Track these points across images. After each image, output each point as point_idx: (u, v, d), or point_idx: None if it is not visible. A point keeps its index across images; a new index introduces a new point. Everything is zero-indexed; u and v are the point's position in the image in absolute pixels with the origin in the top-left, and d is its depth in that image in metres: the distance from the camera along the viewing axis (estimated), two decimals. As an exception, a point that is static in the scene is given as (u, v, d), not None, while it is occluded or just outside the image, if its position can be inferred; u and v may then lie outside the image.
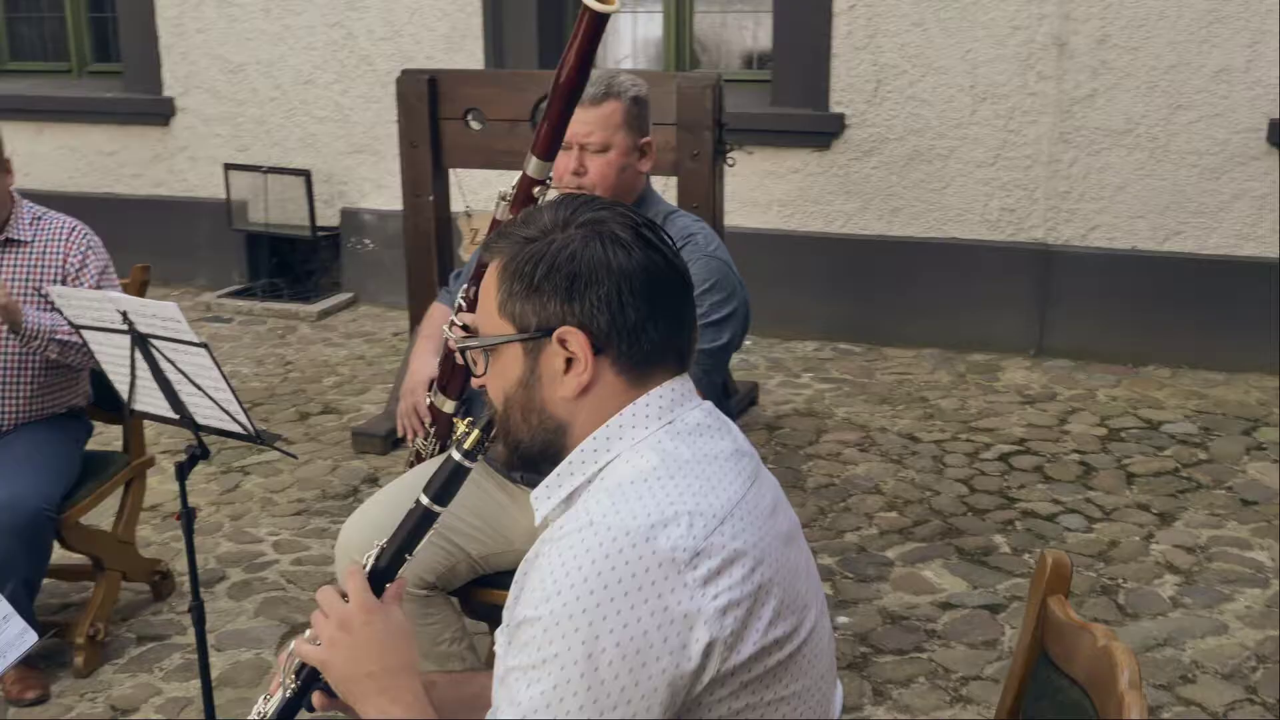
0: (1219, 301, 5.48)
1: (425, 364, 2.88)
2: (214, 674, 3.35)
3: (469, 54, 6.40)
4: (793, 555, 1.44)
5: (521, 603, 1.35)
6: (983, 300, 5.83)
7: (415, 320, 5.15)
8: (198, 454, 2.43)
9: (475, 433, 1.55)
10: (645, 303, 1.41)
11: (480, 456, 1.57)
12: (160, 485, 4.36)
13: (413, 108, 4.89)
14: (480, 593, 2.83)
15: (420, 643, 2.71)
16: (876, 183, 5.92)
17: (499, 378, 1.48)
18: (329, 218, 6.86)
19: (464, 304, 2.62)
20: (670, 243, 1.47)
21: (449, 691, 1.73)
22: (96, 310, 2.38)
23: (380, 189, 6.77)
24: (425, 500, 1.59)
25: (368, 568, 1.59)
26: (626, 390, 1.44)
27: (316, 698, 1.62)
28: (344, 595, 1.56)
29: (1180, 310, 5.53)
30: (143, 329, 2.34)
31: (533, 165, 2.47)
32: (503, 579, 2.79)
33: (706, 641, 1.30)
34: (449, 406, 2.78)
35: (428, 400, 2.81)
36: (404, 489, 2.79)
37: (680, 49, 6.40)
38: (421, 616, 2.71)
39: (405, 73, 4.94)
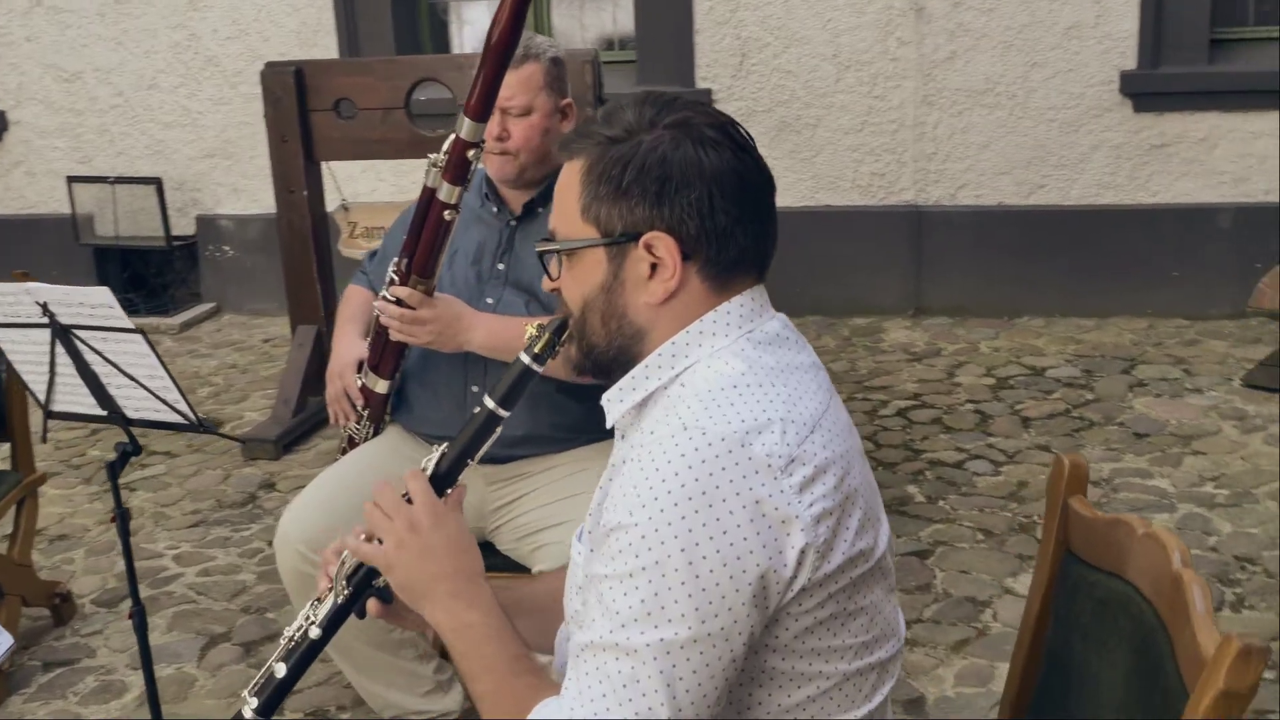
0: (1085, 250, 5.66)
1: (350, 346, 2.78)
2: (135, 693, 3.20)
3: (323, 48, 6.24)
4: (862, 460, 1.43)
5: (611, 508, 1.31)
6: (860, 264, 5.91)
7: (296, 323, 4.99)
8: (130, 451, 2.29)
9: (546, 335, 1.49)
10: (735, 206, 1.37)
11: (548, 358, 1.51)
12: (43, 507, 4.13)
13: (280, 101, 4.73)
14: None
15: (372, 630, 2.64)
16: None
17: (578, 282, 1.43)
18: (184, 226, 6.61)
19: (396, 277, 2.54)
20: (754, 143, 1.42)
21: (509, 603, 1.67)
22: (10, 305, 2.23)
23: (237, 193, 6.55)
24: (491, 404, 1.52)
25: (429, 471, 1.53)
26: (709, 297, 1.40)
27: (372, 605, 1.57)
28: (405, 497, 1.50)
29: (1049, 261, 5.69)
30: (65, 320, 2.20)
31: (466, 127, 2.40)
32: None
33: (801, 547, 1.29)
34: (382, 386, 2.69)
35: (359, 382, 2.71)
36: (344, 473, 2.70)
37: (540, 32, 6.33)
38: (368, 604, 2.62)
39: (269, 65, 4.78)
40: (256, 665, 3.28)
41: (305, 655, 1.62)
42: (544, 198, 2.66)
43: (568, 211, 1.42)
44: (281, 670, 1.61)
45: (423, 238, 2.50)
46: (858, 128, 5.82)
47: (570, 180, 1.42)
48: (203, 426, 2.28)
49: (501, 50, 2.33)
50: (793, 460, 1.30)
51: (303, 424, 4.89)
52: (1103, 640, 1.45)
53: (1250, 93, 5.37)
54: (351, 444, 2.79)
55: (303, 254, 4.92)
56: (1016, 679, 1.62)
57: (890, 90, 5.75)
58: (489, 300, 2.63)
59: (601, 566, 1.31)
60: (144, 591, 3.71)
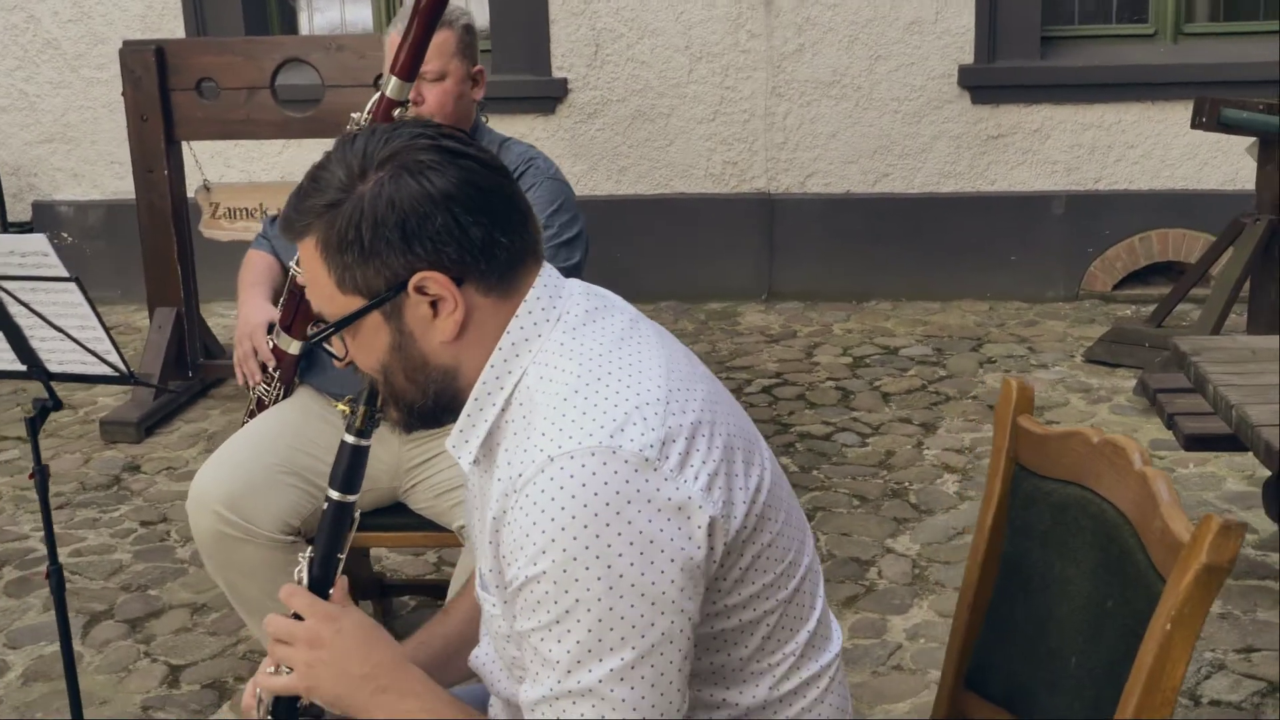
0: (929, 236, 5.92)
1: (259, 308, 2.76)
2: (17, 671, 3.10)
3: (169, 31, 6.07)
4: (719, 392, 1.44)
5: (511, 563, 1.29)
6: (713, 251, 6.06)
7: (155, 305, 4.87)
8: (49, 406, 2.24)
9: (361, 408, 1.45)
10: (483, 214, 1.33)
11: (373, 431, 1.48)
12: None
13: (140, 80, 4.62)
14: (340, 539, 2.75)
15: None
16: (603, 144, 6.05)
17: (367, 351, 1.38)
18: (19, 213, 6.35)
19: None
20: (470, 137, 1.40)
21: (435, 659, 1.65)
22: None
23: (77, 179, 6.32)
24: (335, 495, 1.48)
25: (304, 582, 1.47)
26: (501, 307, 1.36)
27: None
28: (295, 617, 1.44)
29: (896, 246, 5.93)
30: (-9, 271, 2.14)
31: (392, 86, 2.42)
32: (367, 520, 2.71)
33: (707, 523, 1.28)
34: (295, 347, 2.68)
35: (270, 343, 2.69)
36: (258, 433, 2.67)
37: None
38: (288, 564, 2.58)
39: (128, 44, 4.68)
40: (144, 640, 3.23)
41: None
42: (456, 163, 2.69)
43: (324, 291, 1.36)
44: None
45: (344, 197, 2.50)
46: (710, 117, 5.97)
47: (312, 261, 1.36)
48: (134, 378, 2.24)
49: (432, 10, 2.35)
50: (663, 442, 1.28)
51: (164, 407, 4.78)
52: (1064, 541, 1.57)
53: (1079, 86, 5.71)
54: (260, 406, 2.77)
55: (163, 235, 4.82)
56: (972, 588, 1.72)
57: (741, 81, 5.91)
58: (401, 263, 2.64)
59: (525, 622, 1.28)
60: (11, 574, 3.61)
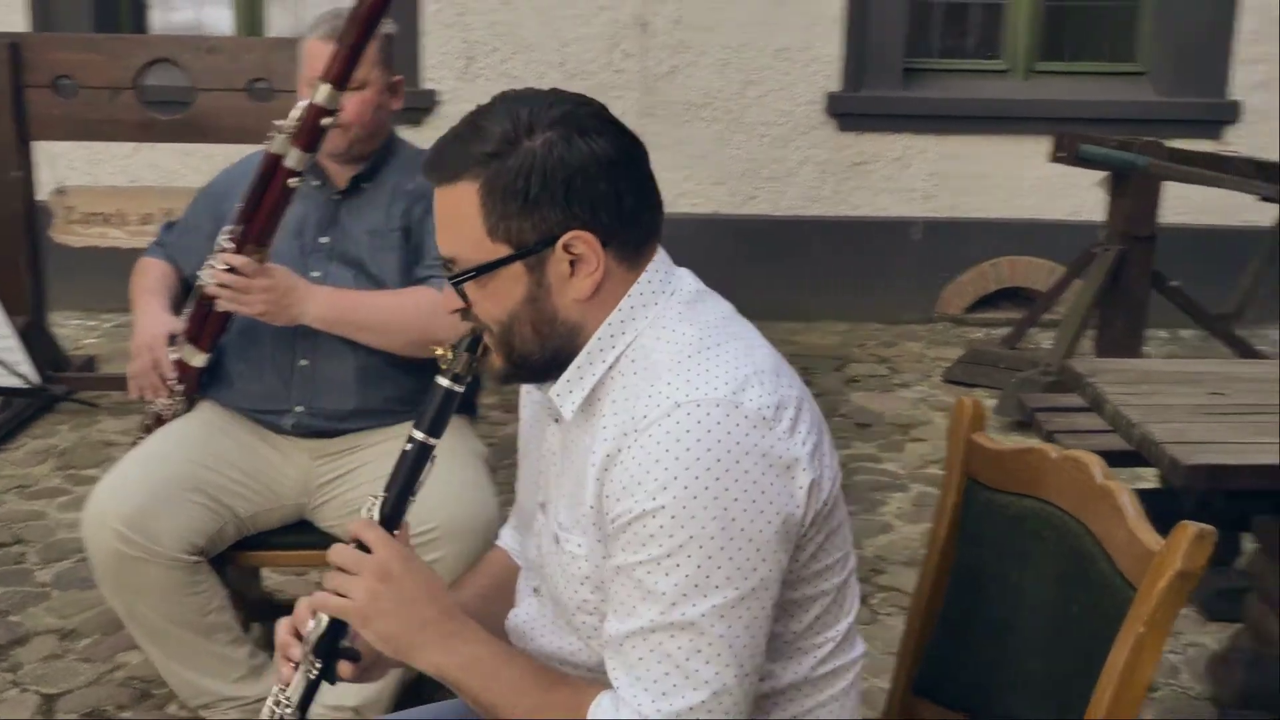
0: (794, 258, 6.05)
1: (157, 319, 2.67)
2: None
3: (7, 26, 5.82)
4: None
5: (623, 497, 1.34)
6: (582, 268, 6.08)
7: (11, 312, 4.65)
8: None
9: (463, 355, 1.46)
10: (634, 184, 1.41)
11: (468, 379, 1.48)
12: None
13: (-10, 75, 4.43)
14: (243, 556, 2.68)
15: (186, 613, 2.55)
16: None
17: (497, 300, 1.42)
18: None
19: (231, 244, 2.47)
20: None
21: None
22: None
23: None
24: (420, 435, 1.48)
25: (375, 518, 1.47)
26: (627, 275, 1.43)
27: (345, 668, 1.51)
28: (360, 547, 1.44)
29: (762, 267, 6.05)
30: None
31: (322, 93, 2.38)
32: (269, 538, 2.66)
33: (808, 485, 1.37)
34: (200, 360, 2.61)
35: (173, 356, 2.61)
36: (160, 451, 2.58)
37: (255, 25, 6.18)
38: (190, 585, 2.53)
39: (-19, 36, 4.47)
40: (10, 669, 3.07)
41: None
42: (371, 172, 2.66)
43: (468, 236, 1.40)
44: None
45: (263, 205, 2.45)
46: (581, 135, 5.99)
47: (463, 205, 1.39)
48: (45, 391, 2.15)
49: (369, 17, 2.33)
50: (778, 406, 1.37)
51: (7, 422, 4.57)
52: (1022, 551, 1.63)
53: (939, 117, 5.92)
54: (159, 421, 2.68)
55: (14, 238, 4.61)
56: (925, 598, 1.78)
57: (614, 100, 5.90)
58: (314, 274, 2.60)
59: (630, 555, 1.34)
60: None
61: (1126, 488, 1.51)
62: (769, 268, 6.05)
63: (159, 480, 2.51)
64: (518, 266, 1.40)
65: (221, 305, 2.50)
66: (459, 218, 1.40)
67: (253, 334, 2.60)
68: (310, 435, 2.62)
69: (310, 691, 1.50)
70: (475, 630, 1.44)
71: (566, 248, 1.38)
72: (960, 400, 1.80)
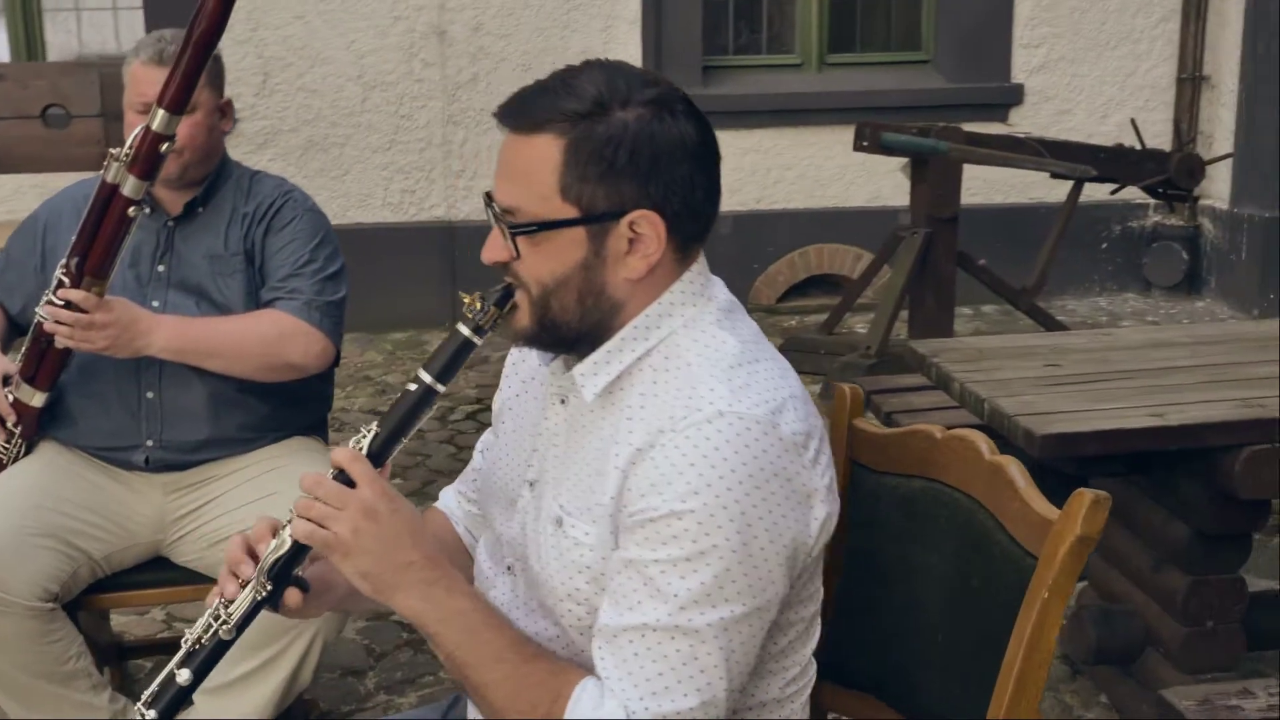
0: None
1: None
2: None
3: None
4: None
5: (650, 493, 1.33)
6: (395, 280, 6.00)
7: None
8: None
9: (492, 308, 1.42)
10: (708, 179, 1.40)
11: (490, 331, 1.44)
12: None
13: None
14: (97, 599, 2.57)
15: (44, 664, 2.44)
16: (276, 174, 5.86)
17: (548, 259, 1.38)
18: None
19: (65, 279, 2.37)
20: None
21: None
22: None
23: None
24: (428, 378, 1.43)
25: (363, 450, 1.42)
26: (675, 267, 1.42)
27: (292, 595, 1.46)
28: (341, 480, 1.39)
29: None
30: None
31: (160, 119, 2.29)
32: (123, 578, 2.56)
33: (824, 517, 1.40)
34: (38, 399, 2.49)
35: (9, 396, 2.49)
36: (3, 494, 2.45)
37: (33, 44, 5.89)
38: (46, 634, 2.41)
39: None
40: None
41: (210, 658, 1.48)
42: (205, 197, 2.59)
43: (538, 190, 1.36)
44: (185, 676, 1.47)
45: (100, 235, 2.35)
46: (386, 146, 5.92)
47: (541, 158, 1.35)
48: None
49: (206, 40, 2.25)
50: (808, 435, 1.38)
51: None
52: (917, 531, 1.70)
53: (739, 113, 6.05)
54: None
55: None
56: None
57: (417, 110, 5.91)
58: (154, 304, 2.52)
59: (647, 551, 1.32)
60: None
61: (1015, 461, 1.60)
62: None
63: (5, 528, 2.38)
64: (580, 231, 1.37)
65: (61, 342, 2.39)
66: (533, 169, 1.36)
67: (94, 369, 2.50)
68: (163, 469, 2.54)
69: (254, 612, 1.46)
70: (459, 582, 1.41)
71: (632, 225, 1.37)
72: (839, 387, 1.85)
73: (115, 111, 4.31)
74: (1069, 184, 5.08)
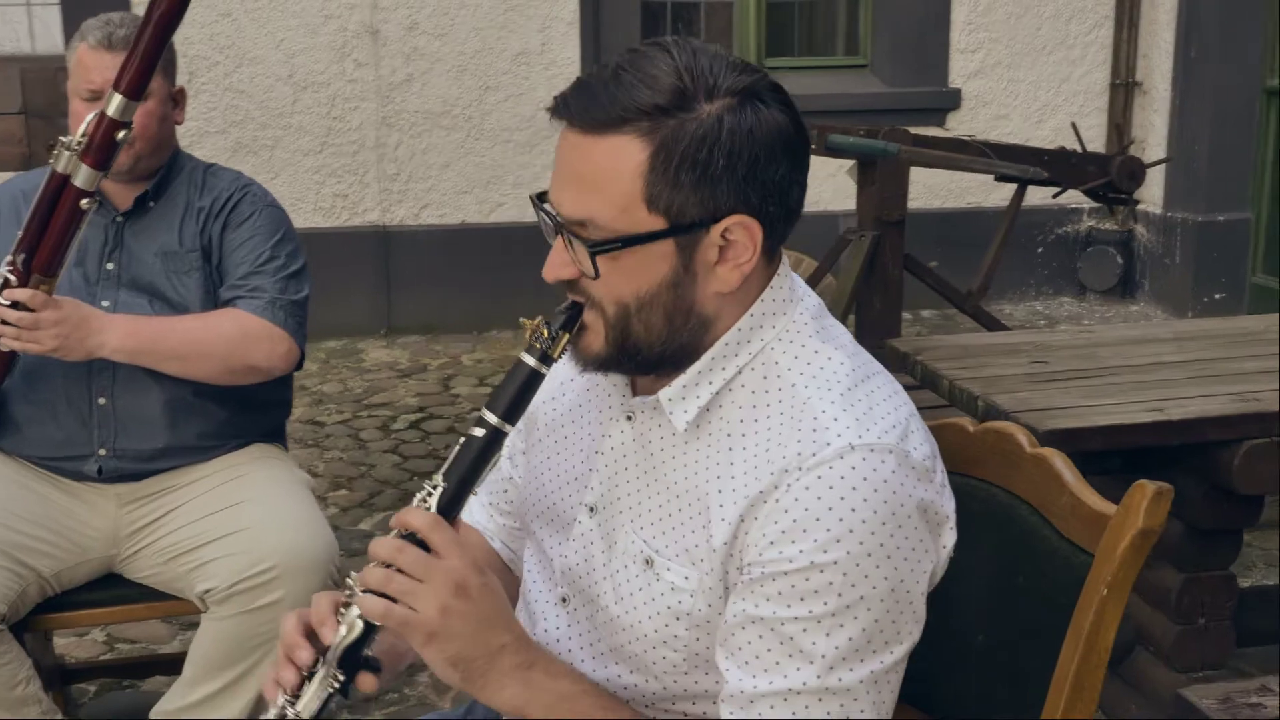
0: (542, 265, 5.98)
1: None
2: None
3: None
4: None
5: (786, 545, 1.19)
6: (328, 287, 5.78)
7: None
8: None
9: (561, 334, 1.27)
10: (801, 174, 1.25)
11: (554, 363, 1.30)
12: None
13: None
14: (45, 619, 2.41)
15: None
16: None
17: (630, 277, 1.22)
18: None
19: (12, 277, 2.22)
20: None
21: None
22: None
23: None
24: (494, 420, 1.28)
25: (432, 509, 1.25)
26: (764, 272, 1.28)
27: (366, 680, 1.27)
28: (415, 542, 1.22)
29: (513, 275, 5.96)
30: None
31: (116, 104, 2.15)
32: (70, 597, 2.40)
33: (952, 543, 1.30)
34: (-19, 407, 2.34)
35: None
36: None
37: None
38: (-8, 659, 2.26)
39: None
40: None
41: None
42: (157, 190, 2.46)
43: (617, 199, 1.20)
44: None
45: (50, 230, 2.21)
46: (318, 149, 5.76)
47: (621, 162, 1.19)
48: None
49: (167, 21, 2.13)
50: (934, 457, 1.28)
51: None
52: (950, 528, 1.63)
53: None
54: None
55: None
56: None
57: (349, 112, 5.76)
58: (104, 303, 2.38)
59: (782, 609, 1.19)
60: None
61: (1059, 453, 1.53)
62: (521, 276, 5.96)
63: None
64: (668, 244, 1.21)
65: (6, 344, 2.24)
66: (610, 176, 1.20)
67: (41, 373, 2.35)
68: (116, 480, 2.39)
69: (326, 705, 1.27)
70: (554, 661, 1.28)
71: (725, 232, 1.22)
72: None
73: (37, 109, 4.17)
74: (1006, 188, 5.07)
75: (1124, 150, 5.26)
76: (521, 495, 1.50)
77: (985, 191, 5.99)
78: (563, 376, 1.46)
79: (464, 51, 5.79)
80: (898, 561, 1.21)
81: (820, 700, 1.20)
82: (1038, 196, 5.46)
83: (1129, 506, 1.38)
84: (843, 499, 1.18)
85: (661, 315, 1.25)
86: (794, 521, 1.19)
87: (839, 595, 1.18)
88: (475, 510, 1.62)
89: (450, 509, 1.26)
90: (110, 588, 2.44)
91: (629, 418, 1.34)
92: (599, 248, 1.21)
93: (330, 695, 1.27)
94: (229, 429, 2.46)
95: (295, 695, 1.27)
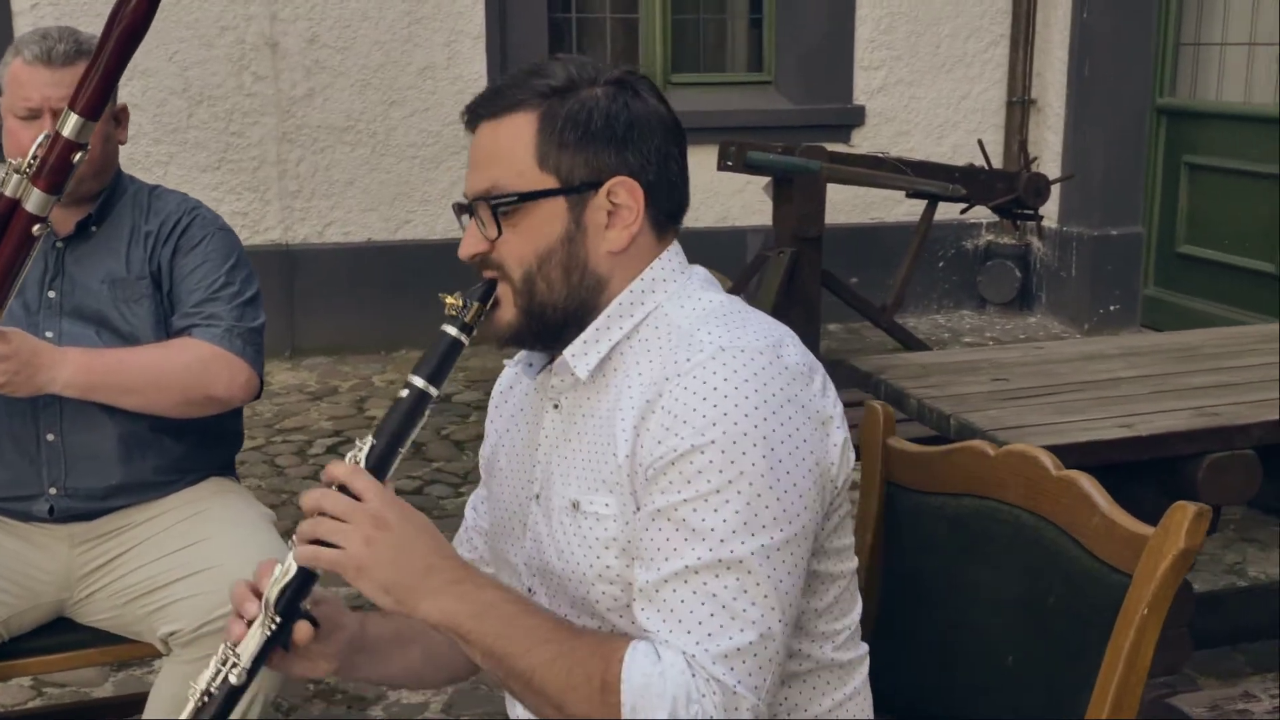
0: (453, 282, 5.89)
1: None
2: None
3: None
4: None
5: (666, 438, 1.30)
6: (229, 308, 5.68)
7: None
8: None
9: (475, 304, 1.41)
10: (680, 156, 1.43)
11: (473, 332, 1.43)
12: None
13: None
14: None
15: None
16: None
17: (529, 237, 1.39)
18: None
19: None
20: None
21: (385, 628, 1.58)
22: None
23: None
24: (420, 383, 1.39)
25: (361, 464, 1.35)
26: (654, 244, 1.43)
27: (303, 630, 1.38)
28: (344, 493, 1.33)
29: (420, 293, 5.85)
30: None
31: (72, 125, 2.04)
32: (21, 644, 2.28)
33: (841, 442, 1.38)
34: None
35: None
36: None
37: None
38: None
39: None
40: None
41: (224, 707, 1.38)
42: (100, 214, 2.35)
43: (514, 165, 1.38)
44: None
45: (-2, 258, 2.09)
46: (215, 165, 5.61)
47: (516, 134, 1.38)
48: None
49: (129, 35, 2.02)
50: (811, 367, 1.38)
51: None
52: (971, 550, 1.64)
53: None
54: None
55: None
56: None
57: (249, 126, 5.61)
58: (48, 334, 2.26)
59: (674, 494, 1.30)
60: None
61: (1086, 475, 1.54)
62: (428, 293, 5.84)
63: None
64: (559, 203, 1.38)
65: (-51, 380, 2.12)
66: (507, 147, 1.38)
67: (-18, 411, 2.23)
68: (69, 520, 2.28)
69: (265, 650, 1.37)
70: (484, 576, 1.38)
71: (610, 194, 1.38)
72: (869, 405, 1.78)
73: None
74: (911, 204, 5.17)
75: (1028, 167, 5.39)
76: (490, 533, 1.60)
77: (889, 207, 6.09)
78: (509, 412, 1.59)
79: (367, 65, 5.69)
80: (774, 442, 1.30)
81: (717, 575, 1.28)
82: (941, 212, 5.56)
83: (1168, 527, 1.40)
84: (715, 389, 1.30)
85: (560, 272, 1.39)
86: (674, 416, 1.31)
87: (720, 472, 1.28)
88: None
89: (380, 465, 1.36)
90: (60, 633, 2.32)
91: (556, 406, 1.46)
92: (499, 203, 1.38)
93: (268, 640, 1.36)
94: (185, 463, 2.36)
95: (236, 643, 1.38)
